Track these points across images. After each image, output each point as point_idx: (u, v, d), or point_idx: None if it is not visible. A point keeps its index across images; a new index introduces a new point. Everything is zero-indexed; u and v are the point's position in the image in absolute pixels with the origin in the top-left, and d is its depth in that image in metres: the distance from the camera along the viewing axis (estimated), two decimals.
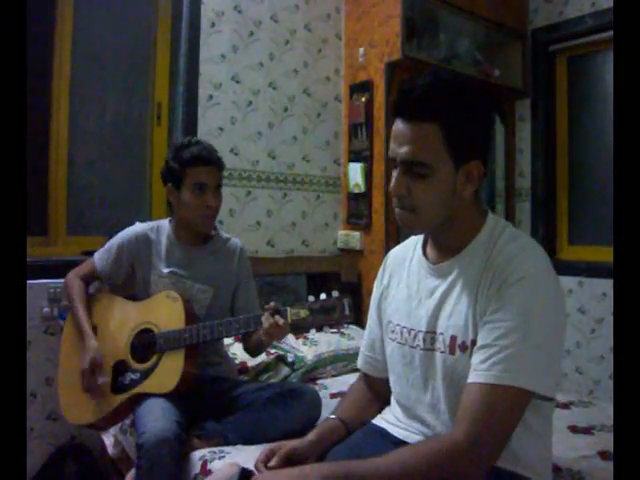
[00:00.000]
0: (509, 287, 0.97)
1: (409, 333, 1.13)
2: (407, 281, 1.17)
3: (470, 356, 0.99)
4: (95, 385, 1.58)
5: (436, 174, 1.01)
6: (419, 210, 1.04)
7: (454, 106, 1.01)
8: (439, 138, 1.00)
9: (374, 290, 1.29)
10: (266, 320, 1.45)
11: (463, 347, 1.02)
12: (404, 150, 1.02)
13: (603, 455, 1.39)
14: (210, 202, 1.67)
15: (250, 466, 1.17)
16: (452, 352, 1.03)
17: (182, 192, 1.68)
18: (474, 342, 1.00)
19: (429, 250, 1.15)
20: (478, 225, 1.08)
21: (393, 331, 1.17)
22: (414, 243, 1.21)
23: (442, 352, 1.05)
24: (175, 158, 1.68)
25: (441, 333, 1.06)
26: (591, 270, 2.84)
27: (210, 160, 1.69)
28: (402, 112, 1.03)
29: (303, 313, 1.42)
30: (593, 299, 2.82)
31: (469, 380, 0.96)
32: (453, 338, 1.03)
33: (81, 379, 1.60)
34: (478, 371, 0.95)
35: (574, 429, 1.59)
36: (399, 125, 1.03)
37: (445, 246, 1.11)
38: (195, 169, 1.66)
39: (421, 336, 1.09)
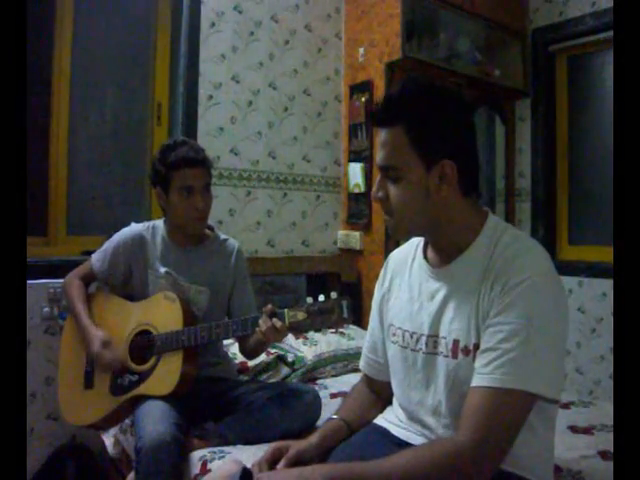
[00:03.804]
0: (511, 290, 0.96)
1: (411, 336, 1.12)
2: (409, 283, 1.16)
3: (473, 360, 0.99)
4: (115, 363, 1.59)
5: (407, 176, 1.03)
6: (396, 214, 1.06)
7: (418, 107, 1.03)
8: (405, 140, 1.02)
9: (375, 292, 1.29)
10: (263, 323, 1.44)
11: (466, 351, 1.01)
12: (379, 156, 1.06)
13: (603, 455, 1.39)
14: (198, 204, 1.65)
15: (249, 466, 1.17)
16: (455, 356, 1.03)
17: (170, 195, 1.66)
18: (477, 346, 0.99)
19: (429, 253, 1.14)
20: (477, 227, 1.07)
21: (395, 334, 1.17)
22: (415, 245, 1.21)
23: (445, 356, 1.04)
24: (161, 161, 1.66)
25: (443, 337, 1.05)
26: (591, 270, 2.84)
27: (196, 161, 1.65)
28: (373, 119, 1.10)
29: (301, 315, 1.41)
30: (593, 299, 2.82)
31: (472, 384, 0.96)
32: (456, 342, 1.03)
33: (97, 363, 1.62)
34: (481, 374, 0.95)
35: (574, 429, 1.59)
36: (378, 133, 1.08)
37: (444, 249, 1.10)
38: (181, 172, 1.63)
39: (423, 340, 1.09)
